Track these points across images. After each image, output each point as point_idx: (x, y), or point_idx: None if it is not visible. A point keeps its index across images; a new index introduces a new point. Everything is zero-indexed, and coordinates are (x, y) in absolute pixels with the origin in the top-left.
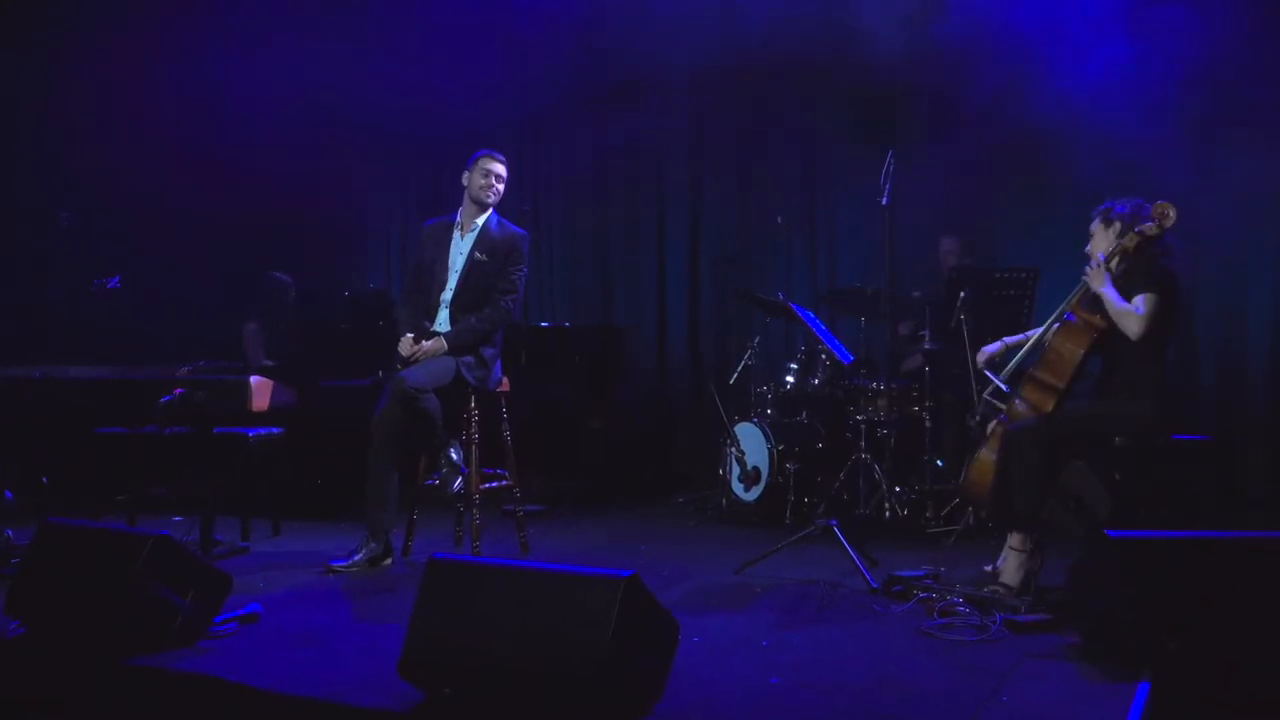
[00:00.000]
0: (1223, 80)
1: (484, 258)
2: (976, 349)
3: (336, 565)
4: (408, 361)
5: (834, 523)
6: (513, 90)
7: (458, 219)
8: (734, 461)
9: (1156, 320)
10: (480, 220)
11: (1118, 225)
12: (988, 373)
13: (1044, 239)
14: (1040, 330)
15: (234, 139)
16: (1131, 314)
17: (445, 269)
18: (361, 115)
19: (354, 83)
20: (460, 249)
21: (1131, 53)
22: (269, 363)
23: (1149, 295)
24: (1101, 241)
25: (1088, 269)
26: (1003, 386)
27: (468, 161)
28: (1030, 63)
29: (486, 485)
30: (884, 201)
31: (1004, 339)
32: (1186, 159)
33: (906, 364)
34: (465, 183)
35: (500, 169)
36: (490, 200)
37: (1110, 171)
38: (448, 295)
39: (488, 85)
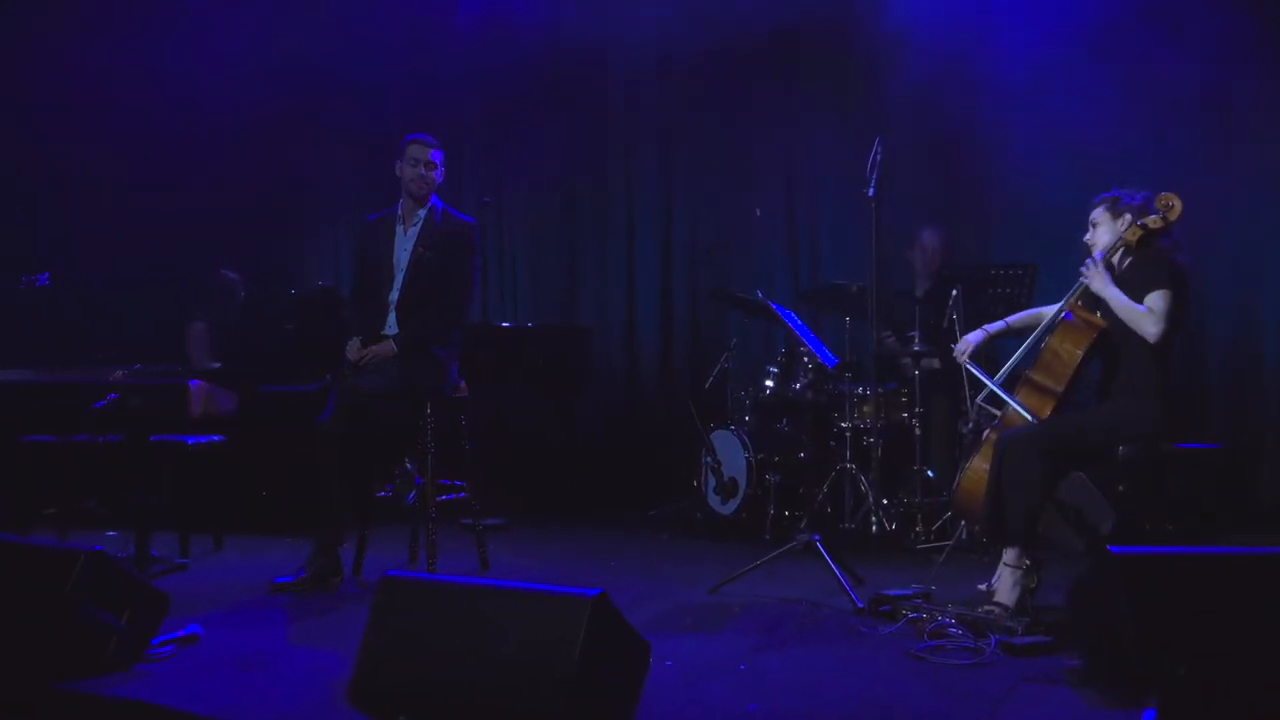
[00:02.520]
0: (1232, 63)
1: (429, 254)
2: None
3: (282, 583)
4: (356, 365)
5: (816, 538)
6: (471, 74)
7: (399, 212)
8: (709, 472)
9: (1171, 320)
10: (422, 213)
11: (1127, 216)
12: (971, 367)
13: (1042, 236)
14: (1037, 331)
15: (173, 128)
16: (1145, 315)
17: (391, 268)
18: (308, 102)
19: (299, 69)
20: (404, 246)
21: (1134, 35)
22: (215, 365)
23: (1163, 293)
24: (1106, 233)
25: (1085, 266)
26: (988, 380)
27: (400, 149)
28: (1025, 47)
29: (443, 497)
30: (870, 193)
31: (985, 327)
32: (1194, 147)
33: (925, 363)
34: (398, 174)
35: (429, 154)
36: (422, 191)
37: (1111, 161)
38: (394, 296)
39: (443, 69)
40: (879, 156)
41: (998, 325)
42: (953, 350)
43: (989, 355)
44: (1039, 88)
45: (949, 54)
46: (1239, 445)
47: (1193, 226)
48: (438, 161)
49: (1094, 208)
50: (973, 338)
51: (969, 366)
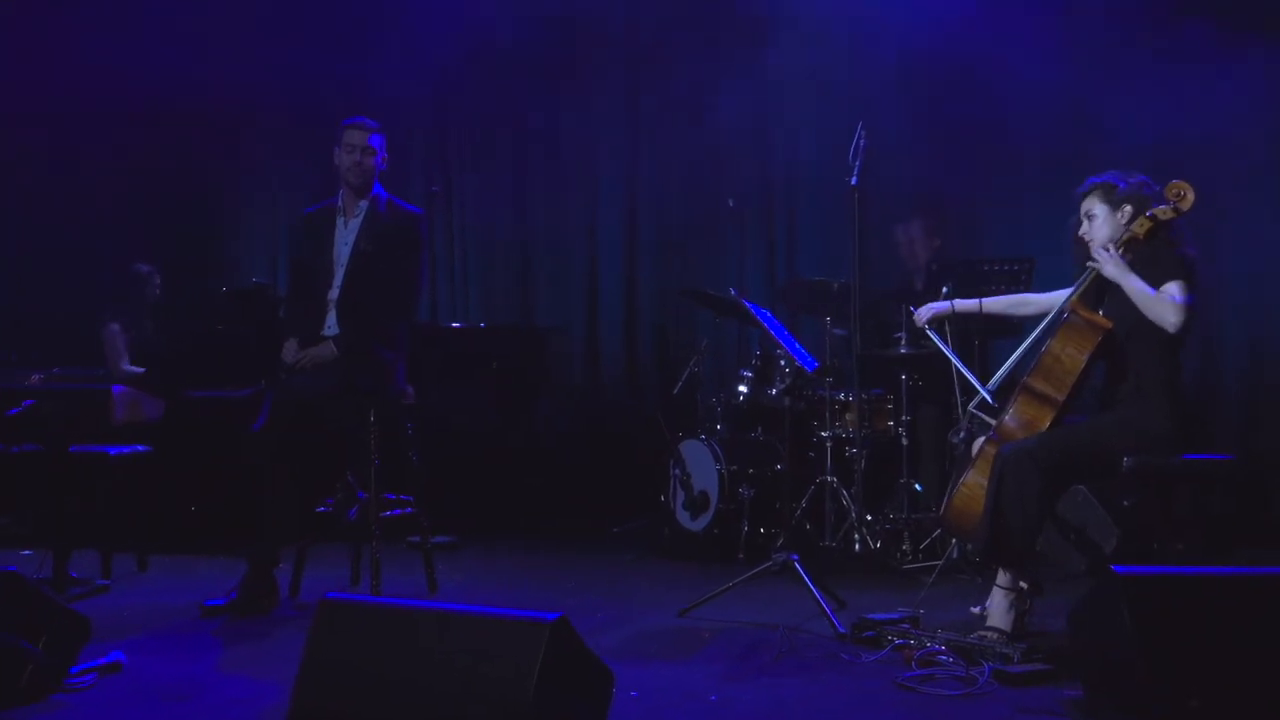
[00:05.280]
0: (1243, 46)
1: (371, 248)
2: (962, 353)
3: (213, 606)
4: (293, 369)
5: (794, 557)
6: (419, 55)
7: (339, 204)
8: (678, 485)
9: (1191, 313)
10: (364, 204)
11: (1128, 208)
12: (930, 332)
13: (1040, 228)
14: (1035, 333)
15: (92, 112)
16: (1167, 303)
17: (330, 263)
18: (241, 84)
19: (232, 48)
20: (344, 240)
21: (1139, 9)
22: (134, 369)
23: (1179, 283)
24: (1105, 225)
25: (1096, 255)
26: (948, 351)
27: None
28: (1019, 20)
29: (388, 513)
30: (853, 181)
31: (954, 300)
32: (1202, 136)
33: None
34: (336, 162)
35: (367, 139)
36: (360, 180)
37: (1112, 149)
38: (334, 294)
39: (389, 50)
40: (862, 142)
41: (969, 303)
42: (916, 320)
43: (983, 358)
44: (1035, 69)
45: (937, 33)
46: (1253, 457)
47: (1202, 220)
48: (377, 147)
49: (1084, 195)
50: (936, 305)
51: (929, 333)
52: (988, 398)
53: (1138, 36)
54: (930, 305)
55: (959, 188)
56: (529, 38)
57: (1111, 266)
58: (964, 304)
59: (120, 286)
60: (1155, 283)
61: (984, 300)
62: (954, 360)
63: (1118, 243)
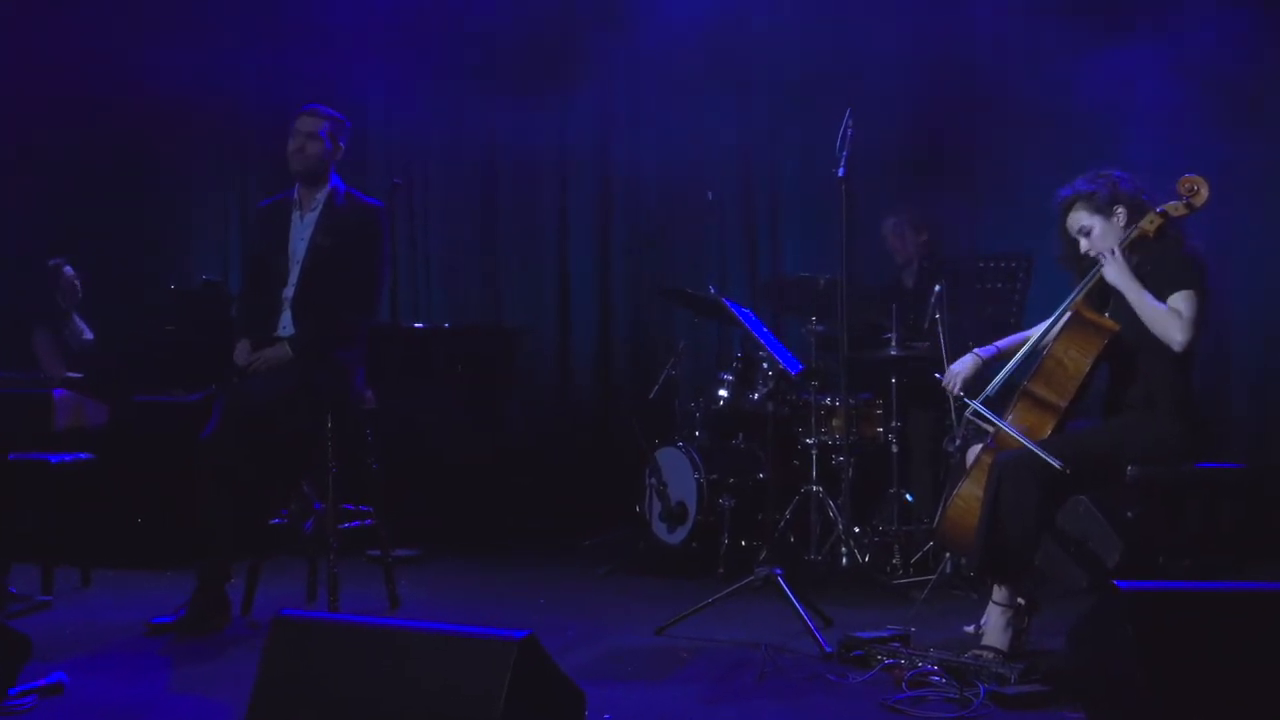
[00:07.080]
0: (1252, 30)
1: (328, 242)
2: (954, 354)
3: (160, 624)
4: (245, 372)
5: (778, 571)
6: (379, 41)
7: (295, 197)
8: (654, 495)
9: (1200, 325)
10: (320, 195)
11: (1120, 209)
12: (969, 402)
13: (1039, 223)
14: (1036, 333)
15: (26, 99)
16: (1174, 319)
17: (285, 259)
18: (189, 70)
19: (181, 31)
20: (300, 234)
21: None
22: (73, 374)
23: (1189, 294)
24: (1107, 233)
25: (1104, 256)
26: (994, 417)
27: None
28: (1014, 11)
29: (346, 525)
30: (840, 172)
31: (976, 350)
32: (1208, 128)
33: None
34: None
35: (310, 125)
36: (300, 167)
37: (1114, 138)
38: (289, 292)
39: (348, 33)
40: (850, 131)
41: (989, 350)
42: (941, 381)
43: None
44: (1034, 53)
45: (929, 15)
46: (1266, 465)
47: (1209, 217)
48: (324, 135)
49: (1066, 211)
50: (961, 366)
51: (969, 403)
52: (1056, 466)
53: (1138, 29)
54: (954, 370)
55: (955, 183)
56: (497, 26)
57: (1114, 271)
58: (985, 351)
59: (44, 288)
60: (1163, 287)
61: (999, 344)
62: (1001, 424)
63: (1125, 243)
